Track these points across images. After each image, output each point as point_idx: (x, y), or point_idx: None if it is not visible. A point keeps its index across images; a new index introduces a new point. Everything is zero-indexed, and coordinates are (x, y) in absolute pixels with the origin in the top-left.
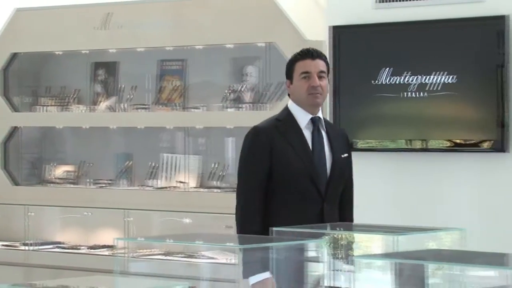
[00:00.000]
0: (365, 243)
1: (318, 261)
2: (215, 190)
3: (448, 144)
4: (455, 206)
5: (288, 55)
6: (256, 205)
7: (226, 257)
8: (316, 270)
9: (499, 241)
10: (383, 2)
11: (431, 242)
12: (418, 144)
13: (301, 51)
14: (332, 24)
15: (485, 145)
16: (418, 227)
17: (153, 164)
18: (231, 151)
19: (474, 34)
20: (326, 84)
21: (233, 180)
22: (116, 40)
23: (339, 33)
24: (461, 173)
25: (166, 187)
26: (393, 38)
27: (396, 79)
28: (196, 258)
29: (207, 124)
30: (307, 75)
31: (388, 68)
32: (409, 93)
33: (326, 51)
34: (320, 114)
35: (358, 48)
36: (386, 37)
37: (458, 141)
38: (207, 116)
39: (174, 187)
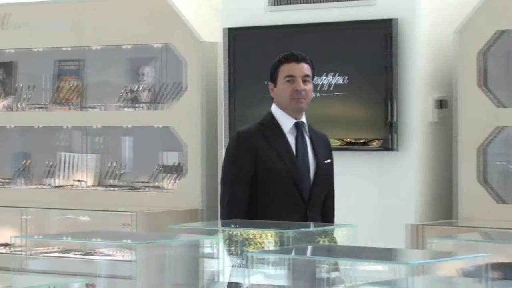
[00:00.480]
0: (260, 239)
1: (213, 257)
2: (112, 188)
3: (339, 143)
4: (346, 203)
5: (184, 56)
6: (241, 209)
7: (123, 254)
8: (211, 266)
9: (388, 236)
10: (276, 4)
11: (322, 238)
12: None
13: (286, 54)
14: (227, 26)
15: (375, 144)
16: (312, 223)
17: (51, 163)
18: (128, 150)
19: (364, 37)
20: (311, 88)
21: (130, 178)
22: (13, 40)
23: (234, 35)
24: (352, 171)
25: (63, 186)
26: (286, 40)
27: None
28: (93, 255)
29: (104, 123)
30: (291, 78)
31: None
32: None
33: (221, 52)
34: (304, 119)
35: (252, 49)
36: (279, 39)
37: (348, 140)
38: (104, 115)
39: (72, 185)
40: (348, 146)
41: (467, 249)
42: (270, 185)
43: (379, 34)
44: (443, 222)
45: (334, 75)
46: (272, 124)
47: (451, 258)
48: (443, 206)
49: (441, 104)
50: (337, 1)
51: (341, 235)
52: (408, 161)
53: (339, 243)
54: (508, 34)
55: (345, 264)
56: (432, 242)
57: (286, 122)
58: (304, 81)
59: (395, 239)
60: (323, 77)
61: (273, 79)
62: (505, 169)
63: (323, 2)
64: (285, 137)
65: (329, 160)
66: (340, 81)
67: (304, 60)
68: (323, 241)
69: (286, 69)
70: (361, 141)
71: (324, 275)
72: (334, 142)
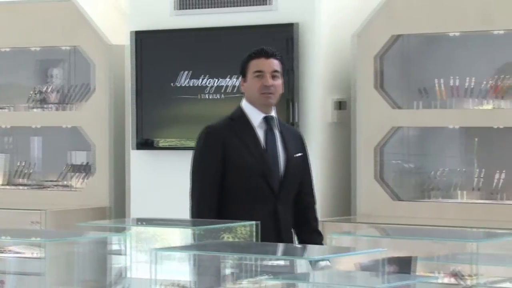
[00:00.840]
0: (166, 236)
1: (121, 254)
2: (22, 187)
3: None
4: None
5: (92, 59)
6: (210, 203)
7: (32, 251)
8: (119, 262)
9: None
10: (181, 9)
11: (227, 234)
12: None
13: (255, 49)
14: (133, 29)
15: None
16: (217, 220)
17: None
18: (37, 149)
19: (267, 40)
20: (280, 83)
21: (39, 177)
22: None
23: (141, 38)
24: None
25: None
26: (191, 43)
27: (195, 82)
28: (2, 253)
29: (14, 123)
30: (260, 73)
31: (187, 72)
32: (207, 95)
33: (129, 55)
34: (273, 113)
35: (158, 52)
36: (184, 42)
37: None
38: (13, 116)
39: None
40: None
41: (364, 245)
42: (239, 179)
43: (280, 38)
44: (342, 219)
45: (237, 77)
46: (241, 118)
47: (349, 253)
48: (342, 204)
49: (340, 105)
50: (240, 6)
51: (245, 232)
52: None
53: (242, 239)
54: (403, 39)
55: (248, 260)
56: (331, 238)
57: (256, 117)
58: (273, 77)
59: None
60: (227, 79)
61: (243, 74)
62: (400, 168)
63: (227, 7)
64: (254, 131)
65: (300, 154)
66: None
67: (273, 55)
68: (227, 237)
69: (255, 65)
70: None
71: (228, 270)
72: None
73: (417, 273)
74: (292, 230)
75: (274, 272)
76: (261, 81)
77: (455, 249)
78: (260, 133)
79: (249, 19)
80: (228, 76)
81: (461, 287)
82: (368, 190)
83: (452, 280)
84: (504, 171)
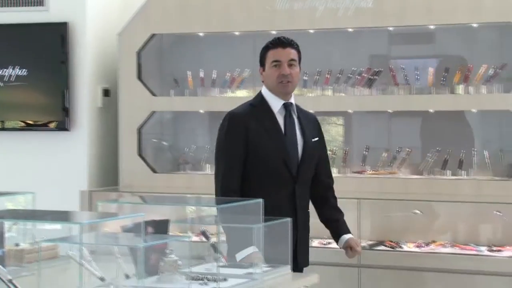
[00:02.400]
0: None
1: None
2: None
3: (23, 124)
4: (29, 175)
5: None
6: (234, 186)
7: None
8: None
9: (65, 202)
10: None
11: (9, 203)
12: None
13: (273, 39)
14: None
15: (52, 125)
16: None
17: None
18: None
19: (43, 36)
20: (297, 72)
21: None
22: None
23: None
24: (33, 148)
25: None
26: None
27: None
28: None
29: None
30: (277, 63)
31: None
32: None
33: None
34: (292, 100)
35: None
36: None
37: (30, 122)
38: None
39: None
40: (30, 127)
41: (128, 210)
42: (260, 163)
43: (55, 35)
44: (108, 189)
45: (16, 68)
46: (262, 105)
47: (114, 218)
48: (109, 176)
49: (107, 93)
50: (18, 6)
51: (24, 201)
52: (80, 139)
53: (22, 208)
54: (160, 37)
55: (27, 225)
56: (99, 205)
57: (275, 103)
58: (290, 65)
59: (71, 204)
60: (7, 70)
61: (262, 64)
62: (157, 145)
63: (5, 6)
64: (274, 117)
65: (316, 139)
66: (22, 73)
67: (290, 45)
68: (9, 206)
69: (272, 55)
70: (40, 122)
71: (9, 234)
72: (18, 124)
73: (171, 233)
74: (308, 209)
75: (51, 236)
76: (279, 70)
77: (201, 213)
78: (280, 119)
79: (27, 17)
80: (9, 66)
81: (208, 243)
82: (130, 165)
83: (202, 238)
84: None
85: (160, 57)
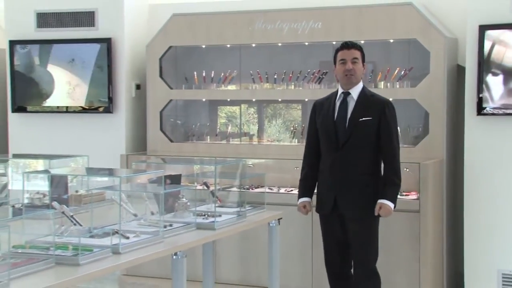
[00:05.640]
0: (34, 164)
1: (4, 176)
2: None
3: (81, 108)
4: (85, 144)
5: None
6: (309, 156)
7: None
8: (2, 180)
9: (109, 163)
10: None
11: (72, 163)
12: None
13: (342, 43)
14: None
15: (101, 109)
16: (64, 155)
17: None
18: None
19: (94, 48)
20: (359, 67)
21: None
22: None
23: None
24: (87, 125)
25: None
26: None
27: None
28: None
29: None
30: (343, 61)
31: None
32: None
33: None
34: (354, 90)
35: None
36: None
37: (86, 107)
38: None
39: None
40: (85, 111)
41: (153, 168)
42: (320, 136)
43: (103, 46)
44: (139, 153)
45: None
46: (334, 95)
47: (143, 173)
48: (140, 144)
49: (138, 86)
50: (78, 26)
51: (81, 162)
52: (120, 119)
53: (76, 169)
54: (174, 48)
55: (83, 178)
56: (133, 164)
57: (340, 92)
58: (353, 63)
59: (114, 164)
60: None
61: (334, 62)
62: (173, 123)
63: (68, 27)
64: (334, 102)
65: (368, 118)
66: None
67: (353, 47)
68: (73, 165)
69: (340, 54)
70: (93, 107)
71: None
72: (78, 109)
73: (183, 184)
74: (358, 172)
75: (102, 185)
76: (344, 67)
77: (203, 170)
78: (338, 104)
79: (81, 35)
80: None
81: (208, 191)
82: (155, 136)
83: (204, 187)
84: None
85: (175, 62)
